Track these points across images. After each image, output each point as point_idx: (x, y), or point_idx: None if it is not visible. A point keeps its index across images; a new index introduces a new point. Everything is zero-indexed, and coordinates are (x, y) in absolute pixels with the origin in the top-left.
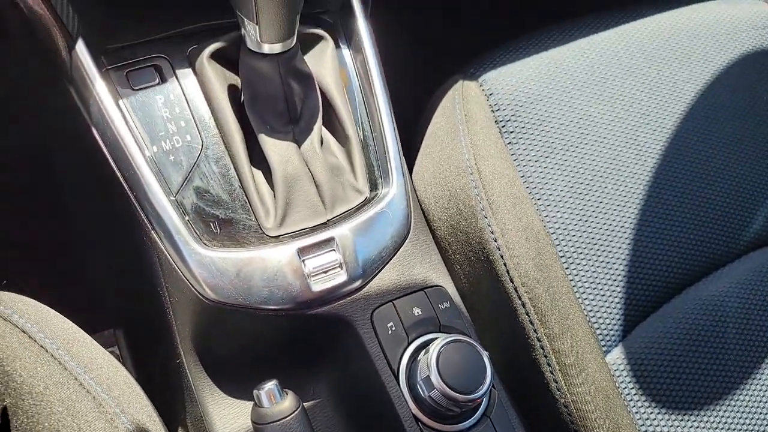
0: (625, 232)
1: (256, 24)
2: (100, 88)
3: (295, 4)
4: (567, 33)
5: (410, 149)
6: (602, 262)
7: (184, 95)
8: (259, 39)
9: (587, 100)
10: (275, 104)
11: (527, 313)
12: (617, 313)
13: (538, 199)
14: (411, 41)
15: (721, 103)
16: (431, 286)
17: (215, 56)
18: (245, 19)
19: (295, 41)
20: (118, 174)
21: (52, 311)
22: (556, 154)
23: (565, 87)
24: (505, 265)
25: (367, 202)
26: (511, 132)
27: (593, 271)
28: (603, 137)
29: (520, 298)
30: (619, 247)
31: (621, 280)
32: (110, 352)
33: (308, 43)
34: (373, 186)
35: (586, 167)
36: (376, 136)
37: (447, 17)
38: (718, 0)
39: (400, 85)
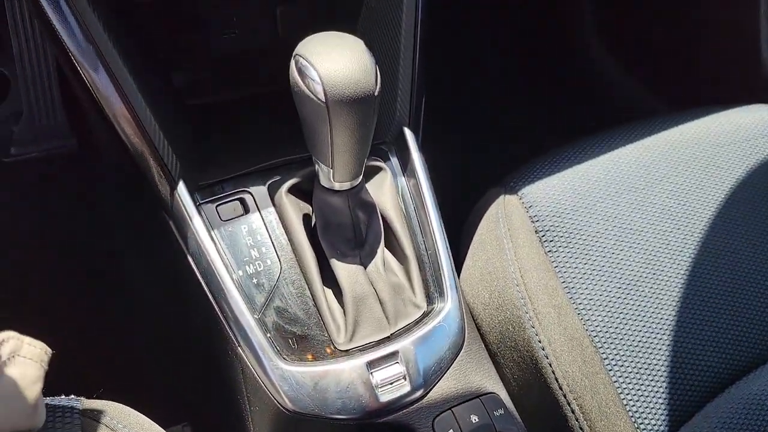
0: (664, 334)
1: (331, 168)
2: (196, 222)
3: (364, 153)
4: (597, 146)
5: (457, 253)
6: (645, 364)
7: (265, 224)
8: (332, 179)
9: (620, 209)
10: (344, 232)
11: (577, 419)
12: (662, 414)
13: (579, 304)
14: (453, 156)
15: (748, 206)
16: (486, 394)
17: (291, 190)
18: (321, 163)
19: (361, 178)
20: (210, 296)
21: (147, 419)
22: (594, 261)
23: (599, 197)
24: (553, 373)
25: (425, 316)
26: (551, 241)
27: (636, 374)
28: (637, 243)
29: (569, 405)
30: (660, 349)
31: (664, 382)
32: None
33: (370, 173)
34: (430, 300)
35: (623, 272)
36: (430, 254)
37: (479, 141)
38: (735, 109)
39: (446, 193)
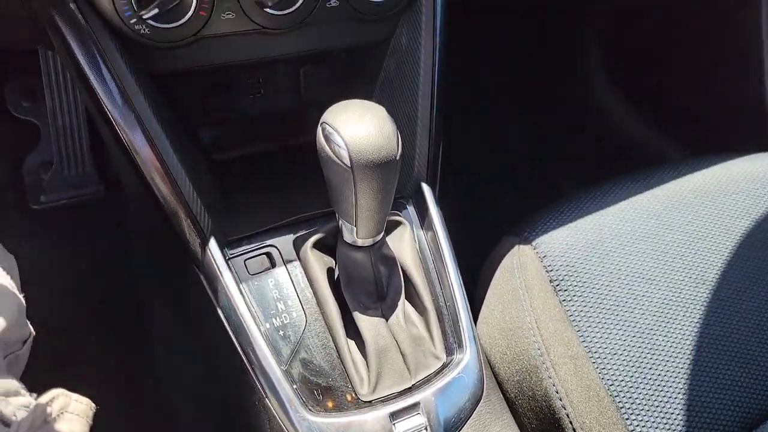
0: (678, 383)
1: (354, 226)
2: (227, 277)
3: (386, 212)
4: (607, 195)
5: (472, 299)
6: (661, 413)
7: (290, 278)
8: (355, 236)
9: (632, 258)
10: (366, 286)
11: None
12: None
13: (595, 353)
14: (466, 205)
15: (758, 253)
16: None
17: (316, 245)
18: (345, 221)
19: (382, 234)
20: (239, 348)
21: None
22: (607, 311)
23: (611, 246)
24: (571, 423)
25: (444, 367)
26: (565, 290)
27: (653, 424)
28: (649, 291)
29: None
30: (675, 399)
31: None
32: None
33: (390, 227)
34: (449, 351)
35: (636, 321)
36: (449, 305)
37: (494, 190)
38: (744, 157)
39: (462, 241)
